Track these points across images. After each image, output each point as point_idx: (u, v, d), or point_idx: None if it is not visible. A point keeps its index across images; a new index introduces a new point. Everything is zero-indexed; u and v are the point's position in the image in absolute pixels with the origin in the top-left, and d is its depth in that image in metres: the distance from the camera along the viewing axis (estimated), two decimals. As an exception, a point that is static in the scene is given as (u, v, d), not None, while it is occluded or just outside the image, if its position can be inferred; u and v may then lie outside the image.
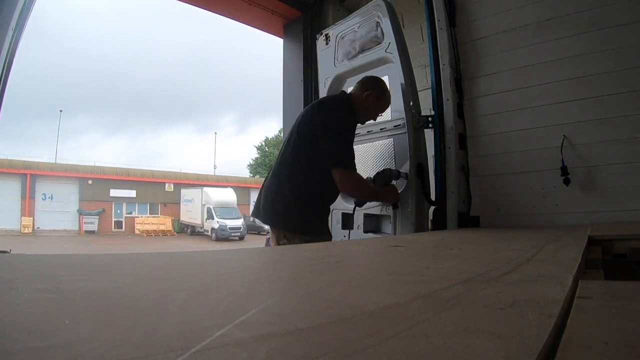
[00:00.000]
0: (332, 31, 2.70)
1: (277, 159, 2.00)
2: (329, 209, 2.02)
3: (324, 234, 1.88)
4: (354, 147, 1.92)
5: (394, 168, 2.12)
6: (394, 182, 2.07)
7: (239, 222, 19.87)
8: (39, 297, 0.42)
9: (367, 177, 2.10)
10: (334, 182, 1.81)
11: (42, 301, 0.41)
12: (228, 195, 21.29)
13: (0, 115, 2.08)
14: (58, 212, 20.42)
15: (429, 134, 2.19)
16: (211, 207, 20.13)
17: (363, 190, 1.98)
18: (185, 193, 22.77)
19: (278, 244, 1.82)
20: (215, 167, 32.85)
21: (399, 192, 2.13)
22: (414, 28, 2.97)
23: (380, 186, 2.01)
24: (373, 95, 1.95)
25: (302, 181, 1.82)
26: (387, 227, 2.21)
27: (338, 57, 2.63)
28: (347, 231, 2.32)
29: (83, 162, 24.21)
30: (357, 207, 2.13)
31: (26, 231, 18.77)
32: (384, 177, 2.03)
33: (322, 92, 2.75)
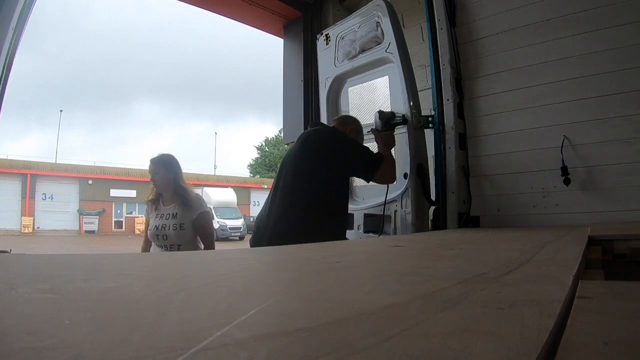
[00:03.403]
0: (332, 31, 2.70)
1: (272, 194, 1.89)
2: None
3: None
4: None
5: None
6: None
7: (239, 222, 19.87)
8: (39, 297, 0.42)
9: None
10: (339, 213, 1.84)
11: (42, 301, 0.41)
12: (228, 195, 21.29)
13: (0, 115, 2.09)
14: (58, 212, 20.40)
15: (429, 134, 2.19)
16: (211, 207, 20.12)
17: (391, 170, 1.96)
18: (186, 193, 22.72)
19: None
20: (215, 167, 32.84)
21: (400, 193, 2.13)
22: (414, 28, 2.97)
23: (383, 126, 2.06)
24: (354, 131, 2.05)
25: (312, 220, 1.73)
26: (387, 227, 2.21)
27: (338, 57, 2.63)
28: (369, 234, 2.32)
29: (83, 162, 24.17)
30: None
31: (26, 231, 18.76)
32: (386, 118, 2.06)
33: (322, 93, 2.76)
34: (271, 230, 1.77)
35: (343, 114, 2.38)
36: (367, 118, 2.49)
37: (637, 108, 1.67)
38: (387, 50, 2.25)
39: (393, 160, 1.99)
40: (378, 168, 1.83)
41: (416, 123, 2.11)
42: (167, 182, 2.18)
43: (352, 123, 2.09)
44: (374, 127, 2.07)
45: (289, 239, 1.65)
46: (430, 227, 2.14)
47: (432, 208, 2.15)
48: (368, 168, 1.84)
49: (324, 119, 2.72)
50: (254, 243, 1.86)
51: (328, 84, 2.69)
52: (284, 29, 3.54)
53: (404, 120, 2.09)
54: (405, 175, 2.14)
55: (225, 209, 20.16)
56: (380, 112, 2.07)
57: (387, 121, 2.06)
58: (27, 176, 19.82)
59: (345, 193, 1.90)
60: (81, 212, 20.97)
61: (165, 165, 2.20)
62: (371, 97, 2.50)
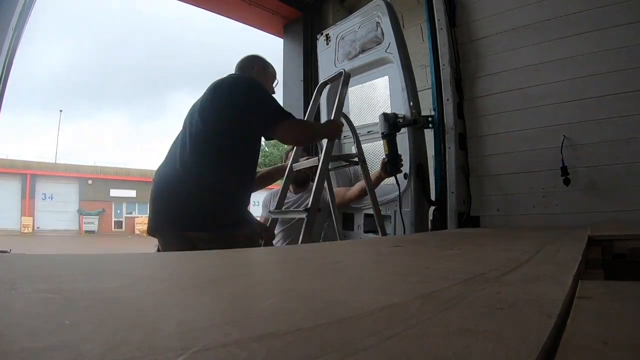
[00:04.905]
0: (332, 31, 2.70)
1: (172, 153, 1.73)
2: (246, 199, 1.77)
3: (243, 226, 1.67)
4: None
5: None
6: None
7: (238, 222, 19.85)
8: (39, 297, 0.42)
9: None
10: (246, 171, 1.70)
11: (42, 301, 0.41)
12: (228, 195, 21.27)
13: (0, 114, 2.09)
14: (58, 212, 20.42)
15: (429, 134, 2.19)
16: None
17: (309, 131, 1.89)
18: (185, 193, 22.73)
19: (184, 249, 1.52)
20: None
21: (400, 193, 2.13)
22: (414, 28, 2.98)
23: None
24: (261, 68, 1.89)
25: (214, 173, 1.62)
26: (387, 227, 2.21)
27: (338, 57, 2.63)
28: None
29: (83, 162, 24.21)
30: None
31: (26, 231, 18.76)
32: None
33: (322, 92, 2.75)
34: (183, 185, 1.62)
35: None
36: (367, 118, 2.49)
37: (637, 108, 1.67)
38: (387, 50, 2.25)
39: (312, 128, 1.97)
40: (281, 120, 1.67)
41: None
42: None
43: (254, 61, 1.89)
44: (383, 132, 2.07)
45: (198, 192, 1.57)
46: (430, 227, 2.15)
47: (432, 208, 2.15)
48: (271, 118, 1.67)
49: (324, 119, 2.72)
50: (160, 200, 1.68)
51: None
52: (284, 29, 3.55)
53: (415, 121, 2.08)
54: (405, 176, 2.14)
55: (225, 209, 20.14)
56: (385, 115, 2.06)
57: (394, 123, 2.05)
58: (27, 176, 19.83)
59: (254, 151, 1.75)
60: (81, 212, 20.98)
61: None
62: (371, 97, 2.50)
